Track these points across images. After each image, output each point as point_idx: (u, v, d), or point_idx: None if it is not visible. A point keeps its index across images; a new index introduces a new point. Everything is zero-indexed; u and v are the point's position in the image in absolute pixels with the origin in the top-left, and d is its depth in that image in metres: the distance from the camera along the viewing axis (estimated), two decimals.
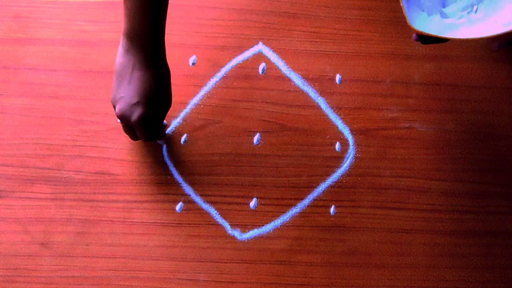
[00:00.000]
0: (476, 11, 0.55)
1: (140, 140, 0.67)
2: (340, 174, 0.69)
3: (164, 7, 0.56)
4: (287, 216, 0.67)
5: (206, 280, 0.65)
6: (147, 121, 0.58)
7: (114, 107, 0.60)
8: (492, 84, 0.74)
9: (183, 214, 0.67)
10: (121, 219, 0.66)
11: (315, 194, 0.68)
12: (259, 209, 0.68)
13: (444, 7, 0.56)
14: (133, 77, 0.56)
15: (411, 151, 0.71)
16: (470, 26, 0.55)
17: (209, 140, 0.70)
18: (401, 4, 0.54)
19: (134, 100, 0.57)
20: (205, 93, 0.71)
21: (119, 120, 0.61)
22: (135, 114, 0.57)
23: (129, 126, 0.61)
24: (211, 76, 0.72)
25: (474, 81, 0.74)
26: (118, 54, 0.58)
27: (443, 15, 0.56)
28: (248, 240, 0.67)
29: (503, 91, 0.74)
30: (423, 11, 0.56)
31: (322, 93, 0.72)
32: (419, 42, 0.56)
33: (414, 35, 0.55)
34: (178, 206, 0.67)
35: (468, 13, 0.56)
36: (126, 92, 0.57)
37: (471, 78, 0.74)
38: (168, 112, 0.69)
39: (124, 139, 0.69)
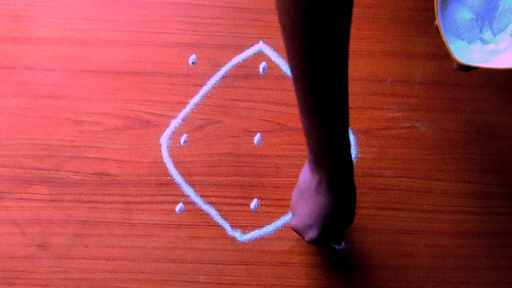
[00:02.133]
0: None
1: (141, 141, 0.67)
2: None
3: (347, 131, 0.51)
4: (288, 217, 0.67)
5: (207, 282, 0.64)
6: (318, 242, 0.58)
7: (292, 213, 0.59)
8: (494, 83, 0.73)
9: (183, 215, 0.66)
10: (120, 221, 0.66)
11: None
12: (259, 210, 0.67)
13: (482, 33, 0.56)
14: (313, 199, 0.54)
15: (412, 151, 0.70)
16: None
17: (209, 140, 0.69)
18: (443, 40, 0.53)
19: (309, 222, 0.56)
20: (205, 93, 0.71)
21: None
22: (308, 236, 0.57)
23: None
24: (211, 75, 0.71)
25: (476, 81, 0.73)
26: (303, 170, 0.57)
27: (484, 42, 0.56)
28: (248, 241, 0.66)
29: (505, 91, 0.73)
30: (463, 40, 0.55)
31: None
32: (460, 71, 0.56)
33: (455, 65, 0.55)
34: (178, 207, 0.66)
35: (510, 36, 0.55)
36: (303, 210, 0.56)
37: (472, 78, 0.73)
38: (167, 112, 0.69)
39: (122, 139, 0.68)
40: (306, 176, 0.56)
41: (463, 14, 0.55)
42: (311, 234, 0.56)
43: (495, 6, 0.55)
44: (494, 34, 0.56)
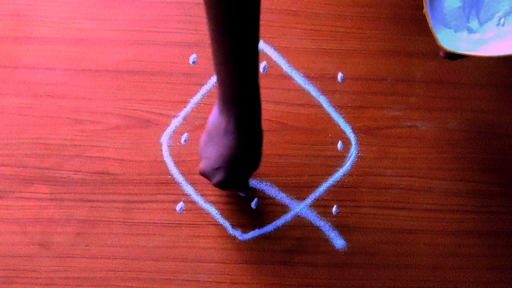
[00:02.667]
0: (503, 24, 0.55)
1: (142, 140, 0.67)
2: (342, 174, 0.69)
3: (257, 71, 0.52)
4: (289, 216, 0.67)
5: (207, 281, 0.64)
6: (225, 185, 0.58)
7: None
8: (494, 82, 0.73)
9: (183, 214, 0.66)
10: (120, 220, 0.66)
11: (316, 194, 0.68)
12: (260, 209, 0.67)
13: (469, 22, 0.56)
14: (221, 141, 0.55)
15: (413, 150, 0.70)
16: (499, 40, 0.54)
17: None
18: (430, 27, 0.53)
19: (217, 164, 0.56)
20: (206, 92, 0.71)
21: None
22: (215, 179, 0.57)
23: None
24: (212, 74, 0.71)
25: (476, 79, 0.73)
26: (212, 112, 0.56)
27: (470, 31, 0.56)
28: (249, 240, 0.66)
29: (505, 90, 0.73)
30: (450, 28, 0.55)
31: (323, 91, 0.72)
32: (447, 59, 0.56)
33: (441, 53, 0.55)
34: (179, 206, 0.67)
35: (496, 26, 0.55)
36: (211, 153, 0.56)
37: (473, 76, 0.73)
38: (168, 112, 0.69)
39: (123, 138, 0.68)
40: (214, 117, 0.55)
41: (451, 2, 0.55)
42: (218, 177, 0.56)
43: None
44: (481, 24, 0.56)
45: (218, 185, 0.57)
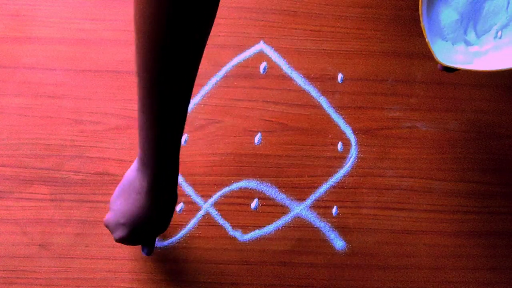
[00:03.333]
0: (501, 36, 0.55)
1: None
2: (342, 175, 0.69)
3: (180, 137, 0.50)
4: (289, 217, 0.67)
5: (207, 282, 0.64)
6: (127, 242, 0.57)
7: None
8: (494, 83, 0.73)
9: (183, 214, 0.66)
10: None
11: (317, 195, 0.68)
12: (260, 210, 0.67)
13: (466, 35, 0.56)
14: (131, 198, 0.53)
15: (413, 150, 0.70)
16: (497, 53, 0.54)
17: (210, 140, 0.69)
18: (426, 40, 0.53)
19: (122, 220, 0.54)
20: (206, 93, 0.71)
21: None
22: (116, 234, 0.56)
23: None
24: (212, 75, 0.71)
25: (477, 80, 0.73)
26: (130, 168, 0.54)
27: (468, 43, 0.56)
28: (249, 241, 0.66)
29: (505, 90, 0.73)
30: (447, 40, 0.55)
31: (323, 92, 0.71)
32: (445, 72, 0.56)
33: (439, 65, 0.55)
34: (179, 207, 0.66)
35: (494, 38, 0.55)
36: (119, 207, 0.54)
37: (473, 77, 0.73)
38: None
39: (123, 139, 0.68)
40: (131, 173, 0.53)
41: (448, 15, 0.55)
42: (120, 232, 0.55)
43: (480, 8, 0.55)
44: (478, 36, 0.56)
45: (119, 240, 0.56)
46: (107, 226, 0.57)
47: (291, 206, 0.67)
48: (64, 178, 0.67)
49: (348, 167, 0.69)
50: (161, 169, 0.51)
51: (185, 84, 0.46)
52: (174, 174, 0.53)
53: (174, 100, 0.46)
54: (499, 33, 0.55)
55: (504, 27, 0.55)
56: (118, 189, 0.55)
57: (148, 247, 0.61)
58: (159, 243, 0.65)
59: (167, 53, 0.41)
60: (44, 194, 0.66)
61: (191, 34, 0.41)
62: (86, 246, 0.65)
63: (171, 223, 0.65)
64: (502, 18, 0.55)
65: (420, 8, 0.53)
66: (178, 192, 0.66)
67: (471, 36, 0.56)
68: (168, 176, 0.52)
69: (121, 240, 0.56)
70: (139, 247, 0.64)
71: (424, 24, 0.53)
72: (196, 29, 0.41)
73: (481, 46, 0.55)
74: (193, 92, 0.70)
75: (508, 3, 0.54)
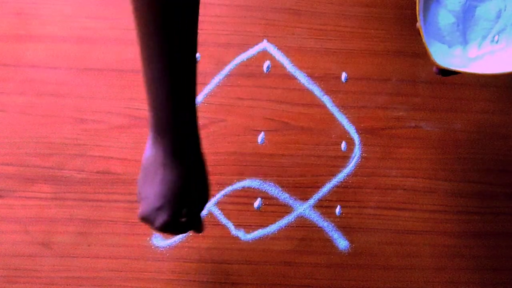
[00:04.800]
0: (497, 41, 0.54)
1: (145, 139, 0.67)
2: (346, 174, 0.68)
3: (195, 87, 0.45)
4: (292, 216, 0.67)
5: (210, 281, 0.64)
6: (172, 227, 0.48)
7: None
8: (498, 83, 0.73)
9: None
10: (123, 219, 0.65)
11: (320, 194, 0.67)
12: (263, 209, 0.67)
13: (465, 39, 0.55)
14: (157, 176, 0.46)
15: (417, 150, 0.70)
16: (493, 56, 0.54)
17: (213, 139, 0.69)
18: (423, 42, 0.53)
19: (157, 204, 0.46)
20: (209, 91, 0.70)
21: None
22: (158, 221, 0.47)
23: None
24: (215, 74, 0.71)
25: (481, 80, 0.73)
26: (146, 149, 0.47)
27: (464, 47, 0.55)
28: (252, 240, 0.66)
29: (509, 90, 0.73)
30: (444, 43, 0.55)
31: (327, 91, 0.71)
32: (442, 76, 0.55)
33: (434, 68, 0.54)
34: None
35: (490, 42, 0.55)
36: (149, 192, 0.47)
37: (478, 77, 0.73)
38: None
39: (126, 138, 0.68)
40: (148, 152, 0.47)
41: (444, 18, 0.55)
42: (161, 218, 0.47)
43: (473, 12, 0.55)
44: (475, 40, 0.55)
45: (164, 228, 0.47)
46: (144, 219, 0.48)
47: (294, 205, 0.67)
48: (67, 177, 0.67)
49: (352, 166, 0.69)
50: (182, 131, 0.45)
51: (191, 17, 0.41)
52: (196, 133, 0.47)
53: (181, 38, 0.41)
54: (496, 38, 0.55)
55: (501, 31, 0.54)
56: (141, 177, 0.48)
57: (198, 227, 0.53)
58: (161, 242, 0.65)
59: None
60: (47, 192, 0.66)
61: None
62: (88, 245, 0.65)
63: None
64: (499, 22, 0.55)
65: (417, 9, 0.53)
66: None
67: (468, 39, 0.56)
68: (191, 137, 0.47)
69: (166, 226, 0.47)
70: (134, 247, 0.64)
71: (421, 25, 0.53)
72: None
73: (478, 50, 0.55)
74: (196, 91, 0.70)
75: (504, 7, 0.54)
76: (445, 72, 0.54)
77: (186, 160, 0.46)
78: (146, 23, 0.41)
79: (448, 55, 0.54)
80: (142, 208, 0.48)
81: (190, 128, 0.46)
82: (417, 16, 0.53)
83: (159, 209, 0.46)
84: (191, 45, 0.43)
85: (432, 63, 0.53)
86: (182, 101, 0.44)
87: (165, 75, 0.42)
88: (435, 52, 0.54)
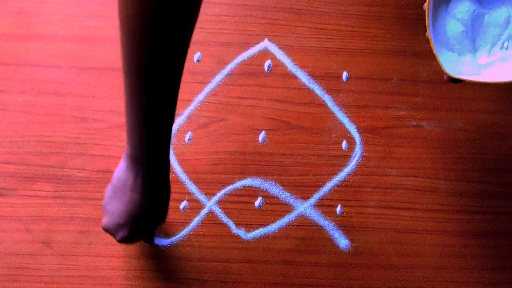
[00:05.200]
0: (507, 47, 0.54)
1: None
2: (347, 173, 0.68)
3: (170, 130, 0.50)
4: (293, 215, 0.67)
5: (211, 280, 0.64)
6: (129, 241, 0.57)
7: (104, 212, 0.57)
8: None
9: (187, 212, 0.66)
10: None
11: (321, 194, 0.68)
12: (264, 208, 0.67)
13: (474, 47, 0.55)
14: (126, 197, 0.52)
15: (418, 150, 0.70)
16: (503, 64, 0.54)
17: (214, 138, 0.69)
18: (433, 51, 0.53)
19: (121, 221, 0.54)
20: (210, 90, 0.70)
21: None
22: (118, 235, 0.55)
23: None
24: (216, 73, 0.71)
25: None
26: (119, 167, 0.53)
27: (474, 54, 0.55)
28: (253, 239, 0.66)
29: (510, 90, 0.73)
30: (453, 52, 0.55)
31: (328, 90, 0.71)
32: (452, 82, 0.55)
33: (445, 77, 0.54)
34: (182, 205, 0.66)
35: (500, 49, 0.55)
36: (115, 209, 0.54)
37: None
38: None
39: None
40: (121, 172, 0.53)
41: (453, 26, 0.55)
42: (122, 233, 0.54)
43: (482, 19, 0.55)
44: (484, 47, 0.56)
45: (122, 241, 0.56)
46: (106, 230, 0.56)
47: (295, 204, 0.67)
48: (68, 175, 0.67)
49: (353, 166, 0.69)
50: (153, 164, 0.51)
51: (173, 77, 0.45)
52: (166, 167, 0.53)
53: (162, 94, 0.45)
54: (506, 44, 0.55)
55: (510, 38, 0.55)
56: (109, 191, 0.55)
57: (150, 241, 0.63)
58: (163, 241, 0.65)
59: (154, 41, 0.41)
60: (48, 191, 0.66)
61: (178, 19, 0.40)
62: (89, 244, 0.65)
63: (175, 221, 0.65)
64: (509, 28, 0.55)
65: (426, 19, 0.53)
66: (181, 190, 0.67)
67: (477, 47, 0.56)
68: (160, 170, 0.52)
69: (124, 241, 0.56)
70: (135, 245, 0.64)
71: (430, 35, 0.53)
72: (182, 14, 0.40)
73: (488, 57, 0.55)
74: (197, 90, 0.70)
75: (510, 15, 0.55)
76: (456, 80, 0.54)
77: (154, 189, 0.53)
78: (128, 76, 0.44)
79: (458, 63, 0.55)
80: (106, 221, 0.55)
81: (162, 163, 0.52)
82: (427, 26, 0.53)
83: (121, 225, 0.54)
84: (172, 99, 0.47)
85: (443, 72, 0.53)
86: (158, 144, 0.49)
87: (143, 123, 0.46)
88: (445, 61, 0.54)
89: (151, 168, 0.51)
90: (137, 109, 0.46)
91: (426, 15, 0.53)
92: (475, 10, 0.55)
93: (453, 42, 0.55)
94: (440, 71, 0.72)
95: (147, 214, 0.54)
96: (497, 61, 0.55)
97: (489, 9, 0.55)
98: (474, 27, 0.55)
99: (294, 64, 0.72)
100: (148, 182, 0.51)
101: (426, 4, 0.53)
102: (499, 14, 0.55)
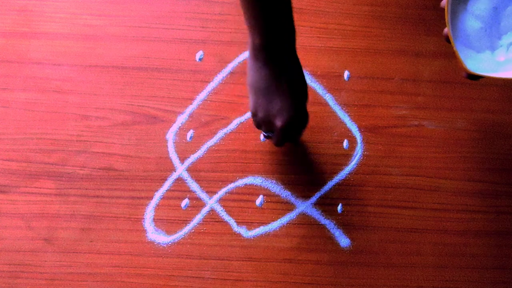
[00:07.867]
0: None
1: (148, 136, 0.68)
2: (348, 172, 0.68)
3: (290, 11, 0.53)
4: (294, 214, 0.67)
5: (212, 278, 0.64)
6: (294, 122, 0.57)
7: (257, 123, 0.58)
8: (503, 82, 0.73)
9: (188, 210, 0.66)
10: (125, 216, 0.66)
11: (322, 192, 0.68)
12: (265, 206, 0.67)
13: (492, 44, 0.55)
14: (284, 89, 0.55)
15: (420, 149, 0.70)
16: None
17: (216, 136, 0.69)
18: (454, 49, 0.53)
19: (295, 111, 0.56)
20: (212, 89, 0.71)
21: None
22: (304, 121, 0.59)
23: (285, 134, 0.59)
24: (218, 71, 0.71)
25: (484, 79, 0.72)
26: (254, 68, 0.55)
27: (493, 51, 0.55)
28: (254, 237, 0.66)
29: None
30: (472, 49, 0.55)
31: (330, 89, 0.71)
32: (470, 80, 0.55)
33: (464, 73, 0.55)
34: (184, 203, 0.66)
35: None
36: (283, 104, 0.55)
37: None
38: (174, 108, 0.69)
39: (129, 134, 0.68)
40: (264, 71, 0.54)
41: (472, 24, 0.55)
42: (305, 118, 0.58)
43: (502, 16, 0.55)
44: (503, 44, 0.56)
45: (283, 127, 0.56)
46: (289, 125, 0.56)
47: (296, 203, 0.67)
48: (70, 173, 0.67)
49: (354, 164, 0.69)
50: (291, 47, 0.55)
51: None
52: (292, 34, 0.55)
53: None
54: None
55: None
56: (260, 94, 0.55)
57: (299, 135, 0.63)
58: (164, 240, 0.65)
59: None
60: (50, 188, 0.66)
61: None
62: (90, 241, 0.65)
63: (176, 219, 0.65)
64: None
65: (446, 17, 0.53)
66: (183, 188, 0.67)
67: (496, 44, 0.56)
68: (295, 51, 0.56)
69: (290, 121, 0.56)
70: (135, 243, 0.64)
71: (450, 32, 0.53)
72: None
73: (506, 54, 0.55)
74: (199, 89, 0.71)
75: None
76: (474, 77, 0.54)
77: (299, 69, 0.56)
78: None
79: (477, 60, 0.55)
80: (284, 119, 0.55)
81: (294, 42, 0.55)
82: (447, 23, 0.53)
83: (299, 114, 0.57)
84: None
85: (462, 69, 0.53)
86: (289, 24, 0.53)
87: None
88: (465, 58, 0.54)
89: (290, 51, 0.55)
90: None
91: (446, 12, 0.53)
92: (493, 6, 0.55)
93: (472, 39, 0.55)
94: (442, 70, 0.73)
95: (306, 94, 0.57)
96: None
97: (507, 5, 0.55)
98: (492, 24, 0.55)
99: None
100: (292, 65, 0.55)
101: (445, 1, 0.53)
102: None
